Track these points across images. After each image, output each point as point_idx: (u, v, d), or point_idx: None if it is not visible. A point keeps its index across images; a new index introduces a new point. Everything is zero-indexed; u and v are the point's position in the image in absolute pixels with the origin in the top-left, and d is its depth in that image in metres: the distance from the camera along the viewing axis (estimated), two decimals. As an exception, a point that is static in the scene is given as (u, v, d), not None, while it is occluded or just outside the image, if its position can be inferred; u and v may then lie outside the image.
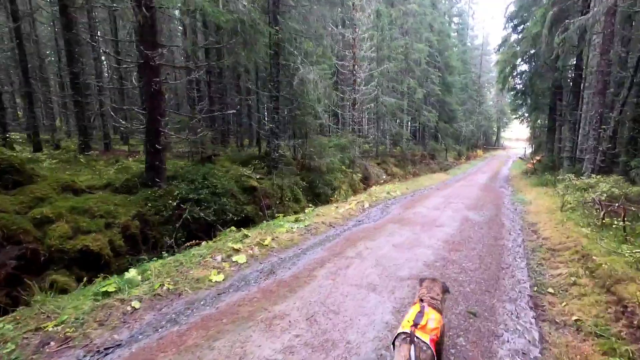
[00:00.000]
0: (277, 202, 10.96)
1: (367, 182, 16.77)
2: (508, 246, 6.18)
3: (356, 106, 18.61)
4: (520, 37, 19.83)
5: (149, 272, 4.52)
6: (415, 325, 2.34)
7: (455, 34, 38.37)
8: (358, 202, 9.99)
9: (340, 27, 18.52)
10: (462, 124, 36.36)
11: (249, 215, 9.59)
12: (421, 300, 2.65)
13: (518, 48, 18.92)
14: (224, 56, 12.74)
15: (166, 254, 6.49)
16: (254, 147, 18.23)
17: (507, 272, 4.92)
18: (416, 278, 4.48)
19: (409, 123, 27.80)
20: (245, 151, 16.88)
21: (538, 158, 21.32)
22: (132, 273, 4.46)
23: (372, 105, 19.99)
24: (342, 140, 16.11)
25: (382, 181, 16.53)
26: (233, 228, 6.82)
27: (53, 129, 18.70)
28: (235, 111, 12.51)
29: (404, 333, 2.32)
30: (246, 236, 6.28)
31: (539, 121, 26.01)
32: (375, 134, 23.18)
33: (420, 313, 2.46)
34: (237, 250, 5.53)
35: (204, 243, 6.07)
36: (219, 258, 5.19)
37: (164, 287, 4.19)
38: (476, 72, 44.62)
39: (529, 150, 35.08)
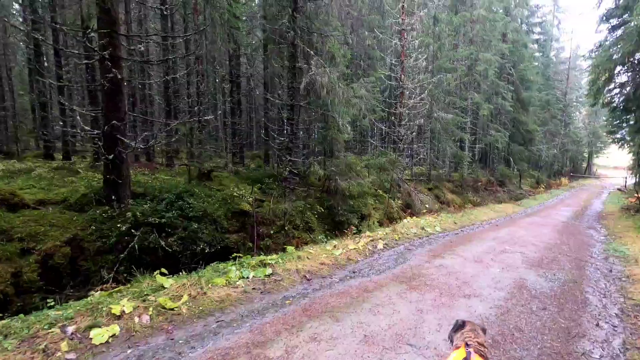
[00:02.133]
0: (277, 231, 8.93)
1: (408, 210, 14.04)
2: (592, 358, 3.32)
3: (403, 122, 16.02)
4: (619, 36, 15.62)
5: None
6: None
7: (535, 45, 33.56)
8: (372, 240, 7.51)
9: (388, 34, 16.44)
10: (542, 147, 31.28)
11: (230, 247, 7.69)
12: (467, 345, 1.97)
13: (617, 53, 14.78)
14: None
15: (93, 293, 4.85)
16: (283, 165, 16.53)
17: None
18: None
19: (476, 144, 24.08)
20: (280, 169, 15.17)
21: (645, 192, 16.41)
22: None
23: (424, 122, 17.19)
24: (379, 160, 13.66)
25: (425, 210, 13.60)
26: (163, 270, 4.92)
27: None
28: (212, 117, 10.86)
29: None
30: (162, 287, 4.34)
31: (646, 145, 20.65)
32: (428, 154, 20.15)
33: None
34: (118, 317, 3.58)
35: (97, 293, 4.25)
36: (69, 330, 3.27)
37: None
38: (562, 88, 38.60)
39: (631, 181, 28.49)
